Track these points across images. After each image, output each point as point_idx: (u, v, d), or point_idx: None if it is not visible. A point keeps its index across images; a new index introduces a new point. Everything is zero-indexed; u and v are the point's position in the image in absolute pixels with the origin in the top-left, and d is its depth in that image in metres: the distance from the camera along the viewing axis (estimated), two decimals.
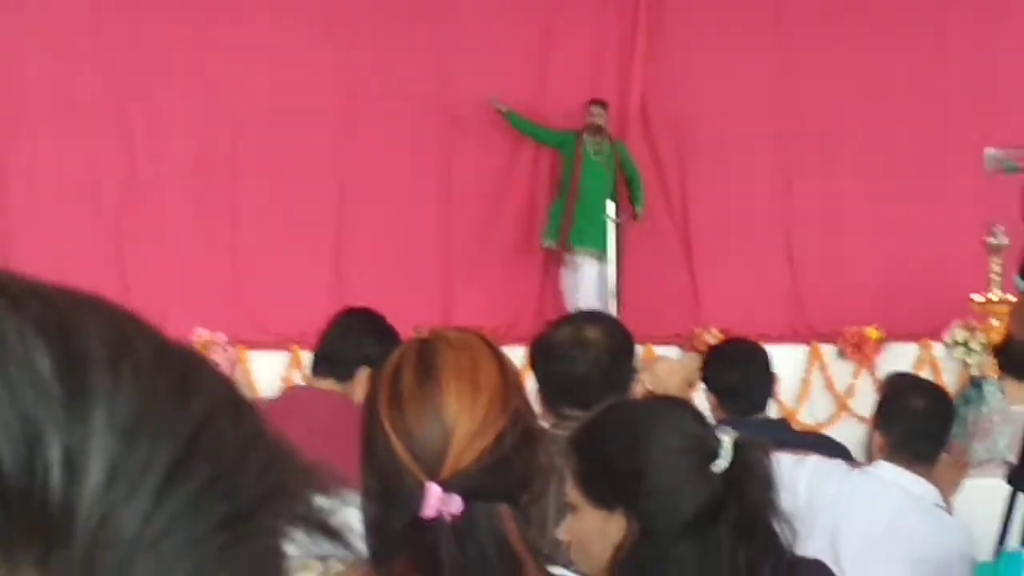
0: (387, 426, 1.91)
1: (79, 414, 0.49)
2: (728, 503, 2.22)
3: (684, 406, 2.54)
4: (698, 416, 2.41)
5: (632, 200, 10.95)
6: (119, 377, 0.50)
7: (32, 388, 0.48)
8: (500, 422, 1.89)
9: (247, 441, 0.53)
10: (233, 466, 0.51)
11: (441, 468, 1.86)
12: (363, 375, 4.22)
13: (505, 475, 1.89)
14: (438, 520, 1.84)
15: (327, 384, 4.39)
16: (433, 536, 1.84)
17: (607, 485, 2.30)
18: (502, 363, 1.99)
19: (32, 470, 0.48)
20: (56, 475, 0.48)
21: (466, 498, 1.85)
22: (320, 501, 0.56)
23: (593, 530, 2.31)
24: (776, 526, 2.26)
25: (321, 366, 4.46)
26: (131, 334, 0.52)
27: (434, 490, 1.84)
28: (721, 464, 2.23)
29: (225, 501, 0.51)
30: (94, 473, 0.48)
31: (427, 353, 1.98)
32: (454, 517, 1.84)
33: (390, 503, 1.88)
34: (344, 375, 4.43)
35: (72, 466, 0.48)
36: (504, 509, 1.89)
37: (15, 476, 0.47)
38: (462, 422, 1.88)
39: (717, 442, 2.25)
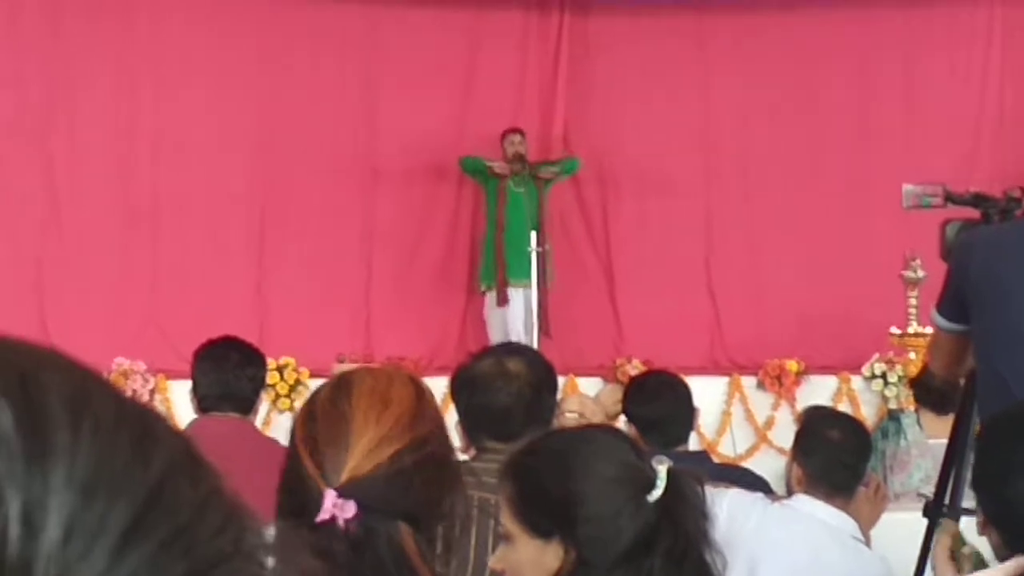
0: (298, 440, 2.00)
1: (39, 470, 0.49)
2: (662, 532, 2.22)
3: (619, 435, 2.55)
4: (633, 445, 2.41)
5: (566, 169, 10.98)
6: (79, 435, 0.50)
7: None
8: (403, 440, 1.94)
9: (205, 500, 0.53)
10: (191, 524, 0.51)
11: (340, 476, 1.91)
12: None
13: (403, 492, 1.92)
14: (333, 525, 1.87)
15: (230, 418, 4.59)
16: (329, 541, 1.87)
17: (544, 513, 2.28)
18: (419, 391, 2.05)
19: None
20: (14, 530, 0.48)
21: (361, 506, 1.88)
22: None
23: (528, 560, 2.30)
24: (708, 556, 2.27)
25: (217, 403, 4.62)
26: (91, 391, 0.52)
27: (329, 494, 1.88)
28: (656, 494, 2.23)
29: (183, 559, 0.51)
30: (52, 529, 0.48)
31: (347, 377, 2.07)
32: (348, 523, 1.88)
33: (297, 513, 1.92)
34: (245, 408, 4.65)
35: (30, 522, 0.48)
36: (403, 526, 1.92)
37: None
38: (365, 433, 1.94)
39: (653, 471, 2.26)
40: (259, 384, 4.84)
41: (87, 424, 0.50)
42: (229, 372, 4.68)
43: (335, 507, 1.88)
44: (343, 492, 1.89)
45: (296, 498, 1.95)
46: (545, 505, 2.29)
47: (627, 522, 2.22)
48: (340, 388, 2.03)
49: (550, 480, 2.30)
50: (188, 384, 4.89)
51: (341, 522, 1.88)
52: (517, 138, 10.89)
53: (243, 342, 4.94)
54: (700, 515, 2.26)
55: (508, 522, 2.32)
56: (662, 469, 2.26)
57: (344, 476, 1.91)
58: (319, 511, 1.88)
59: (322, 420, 2.00)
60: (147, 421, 0.53)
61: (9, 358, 0.51)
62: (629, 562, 2.22)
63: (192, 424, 4.57)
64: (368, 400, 1.99)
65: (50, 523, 0.48)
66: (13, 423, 0.49)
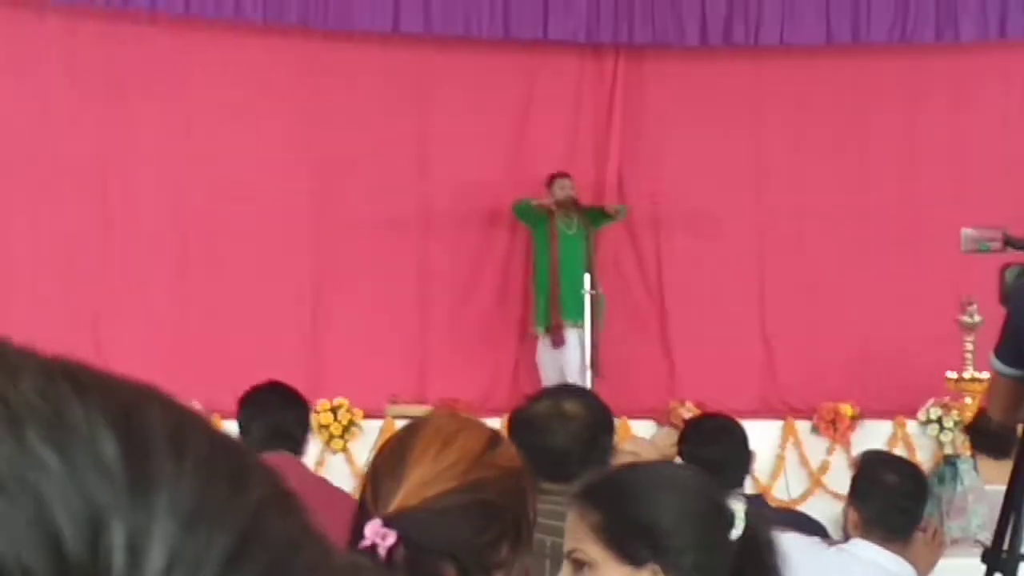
0: (368, 468, 2.06)
1: (142, 500, 0.50)
2: (746, 572, 2.22)
3: (697, 472, 2.55)
4: (711, 482, 2.42)
5: (610, 218, 10.97)
6: (181, 465, 0.51)
7: (98, 473, 0.50)
8: (456, 481, 1.96)
9: (298, 533, 0.54)
10: (288, 556, 0.52)
11: (389, 506, 1.94)
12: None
13: (448, 531, 1.93)
14: (374, 553, 1.88)
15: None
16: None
17: (640, 539, 2.25)
18: (493, 443, 2.07)
19: (96, 552, 0.48)
20: (119, 558, 0.49)
21: (403, 538, 1.89)
22: None
23: None
24: None
25: (267, 443, 4.68)
26: (190, 425, 0.53)
27: (374, 522, 1.91)
28: (736, 533, 2.23)
29: None
30: (156, 558, 0.49)
31: (427, 417, 2.13)
32: (390, 553, 1.89)
33: (357, 539, 1.94)
34: (295, 448, 4.72)
35: (135, 550, 0.49)
36: (447, 566, 1.92)
37: (79, 557, 0.48)
38: (419, 468, 1.97)
39: (731, 510, 2.26)
40: (305, 424, 4.91)
41: (188, 455, 0.52)
42: (274, 413, 4.78)
43: (376, 535, 1.90)
44: (388, 522, 1.91)
45: (356, 525, 1.97)
46: (640, 532, 2.26)
47: (722, 556, 2.22)
48: (414, 425, 2.08)
49: (645, 508, 2.28)
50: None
51: (382, 551, 1.89)
52: (567, 182, 10.89)
53: (284, 385, 5.04)
54: (778, 555, 2.26)
55: (592, 549, 2.28)
56: (740, 509, 2.26)
57: (392, 507, 1.94)
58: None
59: (387, 452, 2.05)
60: (242, 455, 0.55)
61: (112, 392, 0.53)
62: None
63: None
64: (431, 439, 2.01)
65: (154, 552, 0.49)
66: (118, 454, 0.50)
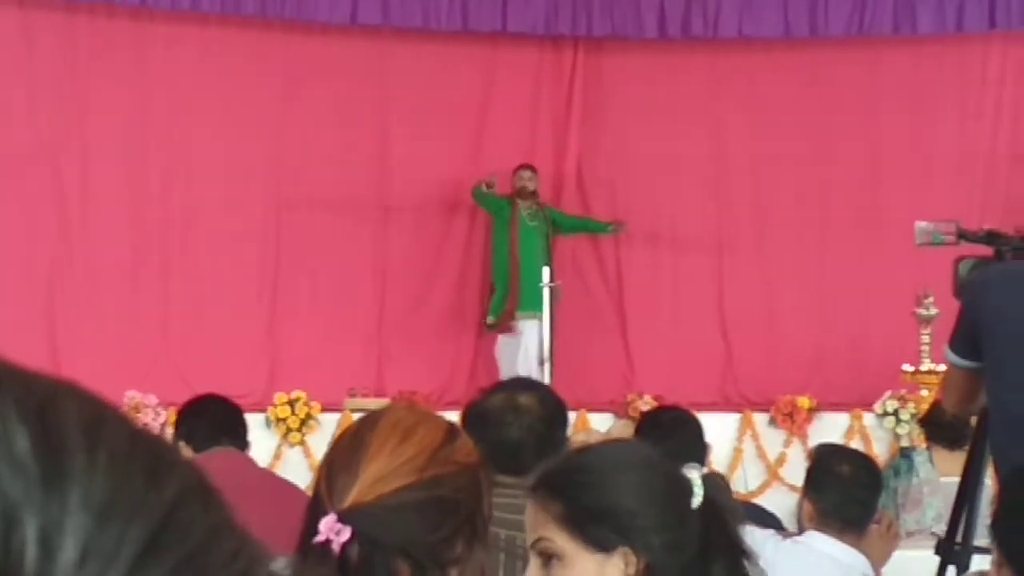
0: (322, 462, 2.03)
1: (56, 494, 0.50)
2: (712, 539, 2.21)
3: (647, 446, 2.53)
4: (663, 456, 2.39)
5: (601, 229, 11.02)
6: (95, 459, 0.51)
7: (11, 467, 0.50)
8: (412, 477, 1.94)
9: (216, 526, 0.54)
10: (203, 551, 0.52)
11: (344, 501, 1.92)
12: None
13: (403, 527, 1.92)
14: (328, 548, 1.87)
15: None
16: (322, 564, 1.87)
17: (605, 525, 2.22)
18: (451, 437, 2.04)
19: (8, 546, 0.49)
20: (32, 552, 0.49)
21: (358, 533, 1.88)
22: None
23: None
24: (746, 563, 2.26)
25: (218, 439, 4.75)
26: (106, 419, 0.53)
27: (329, 518, 1.89)
28: (697, 501, 2.22)
29: None
30: (68, 551, 0.49)
31: (384, 410, 2.09)
32: (344, 548, 1.87)
33: (311, 535, 1.92)
34: (242, 445, 4.79)
35: (47, 544, 0.49)
36: (401, 562, 1.91)
37: None
38: (375, 463, 1.94)
39: (687, 478, 2.25)
40: (244, 423, 5.03)
41: (103, 449, 0.51)
42: (215, 414, 4.91)
43: (331, 530, 1.88)
44: (343, 517, 1.89)
45: (310, 519, 1.95)
46: (605, 517, 2.23)
47: (689, 528, 2.21)
48: (371, 418, 2.04)
49: (605, 492, 2.25)
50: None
51: (336, 546, 1.87)
52: (527, 173, 10.97)
53: (215, 394, 5.22)
54: (738, 515, 2.26)
55: (560, 541, 2.25)
56: (696, 476, 2.24)
57: (348, 502, 1.91)
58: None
59: (343, 445, 2.01)
60: (160, 450, 0.55)
61: (26, 386, 0.53)
62: (693, 571, 2.20)
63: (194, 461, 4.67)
64: (388, 432, 1.99)
65: (67, 545, 0.49)
66: (31, 448, 0.50)
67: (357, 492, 1.93)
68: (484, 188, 10.89)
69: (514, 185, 10.94)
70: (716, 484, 2.29)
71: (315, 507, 1.96)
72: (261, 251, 11.12)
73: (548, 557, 2.27)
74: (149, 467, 0.53)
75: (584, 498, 2.26)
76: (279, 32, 11.18)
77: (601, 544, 2.22)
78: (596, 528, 2.23)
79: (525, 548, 3.13)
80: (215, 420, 4.88)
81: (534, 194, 10.95)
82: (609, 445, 2.54)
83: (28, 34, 10.71)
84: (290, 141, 11.15)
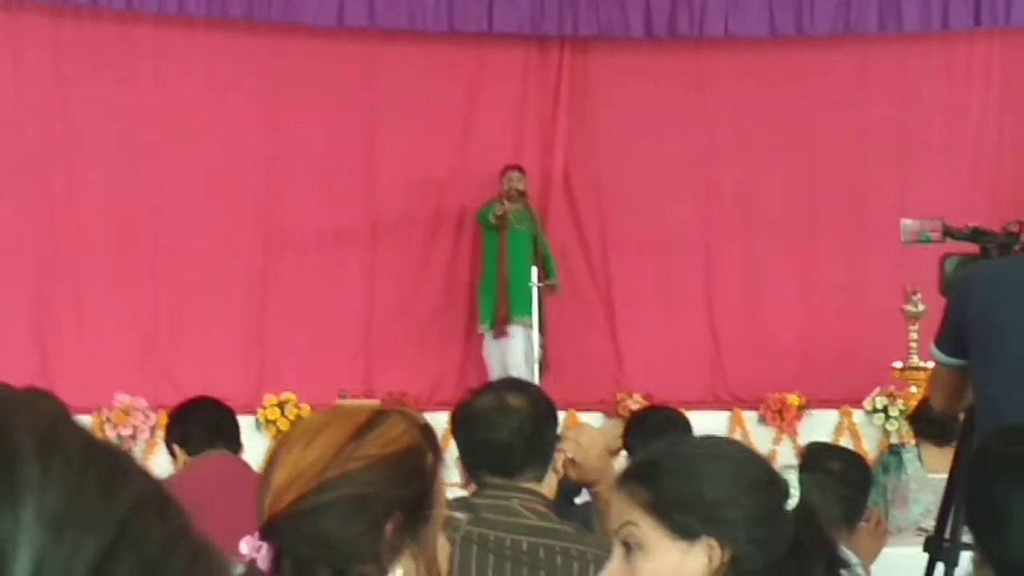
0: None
1: (9, 506, 0.50)
2: (807, 542, 2.19)
3: (743, 443, 2.51)
4: (760, 454, 2.38)
5: (547, 274, 10.87)
6: (49, 472, 0.50)
7: None
8: (314, 481, 1.91)
9: (172, 536, 0.53)
10: (159, 561, 0.52)
11: (263, 516, 1.91)
12: None
13: (312, 534, 1.89)
14: (255, 567, 1.85)
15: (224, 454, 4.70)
16: None
17: (694, 514, 2.18)
18: (361, 431, 1.99)
19: None
20: None
21: (276, 548, 1.86)
22: None
23: (670, 566, 2.20)
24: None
25: (212, 442, 4.74)
26: (61, 432, 0.53)
27: (248, 539, 1.87)
28: (792, 503, 2.20)
29: None
30: (22, 563, 0.49)
31: (302, 417, 2.07)
32: (274, 564, 1.85)
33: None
34: (235, 448, 4.78)
35: (1, 556, 0.49)
36: (321, 569, 1.88)
37: None
38: (279, 473, 1.92)
39: (784, 479, 2.22)
40: (237, 425, 5.02)
41: (57, 462, 0.51)
42: (209, 417, 4.90)
43: (252, 549, 1.86)
44: (262, 533, 1.88)
45: None
46: (691, 505, 2.19)
47: (779, 527, 2.18)
48: (287, 431, 2.04)
49: (693, 480, 2.21)
50: None
51: (262, 564, 1.86)
52: (516, 174, 10.93)
53: (213, 399, 5.20)
54: (832, 527, 2.25)
55: (644, 526, 2.21)
56: (793, 478, 2.22)
57: (263, 517, 1.90)
58: None
59: (266, 457, 1.99)
60: (116, 461, 0.54)
61: None
62: (783, 570, 2.18)
63: (190, 464, 4.68)
64: (296, 440, 1.96)
65: (20, 557, 0.49)
66: None
67: (269, 505, 1.91)
68: (492, 219, 10.80)
69: (502, 186, 10.90)
70: (815, 491, 2.27)
71: None
72: (249, 253, 11.09)
73: (630, 547, 2.23)
74: (104, 478, 0.52)
75: (672, 485, 2.22)
76: (266, 35, 11.16)
77: (685, 532, 2.18)
78: (681, 515, 2.19)
79: (514, 549, 3.14)
80: (209, 423, 4.87)
81: (523, 194, 10.91)
82: (704, 437, 2.50)
83: (14, 37, 10.68)
84: (277, 143, 11.13)
